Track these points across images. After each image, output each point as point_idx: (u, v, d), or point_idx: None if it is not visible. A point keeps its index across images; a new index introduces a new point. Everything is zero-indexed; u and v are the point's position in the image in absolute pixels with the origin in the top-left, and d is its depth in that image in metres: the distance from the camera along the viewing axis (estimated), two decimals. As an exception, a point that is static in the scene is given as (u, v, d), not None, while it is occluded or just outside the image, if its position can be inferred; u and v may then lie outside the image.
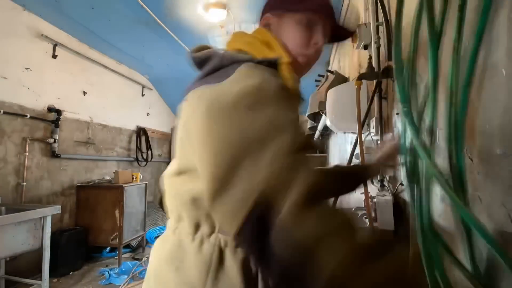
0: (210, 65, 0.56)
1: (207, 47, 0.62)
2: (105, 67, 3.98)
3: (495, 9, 0.56)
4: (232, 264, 0.52)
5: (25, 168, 2.82)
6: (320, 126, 2.94)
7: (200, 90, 0.51)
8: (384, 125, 1.38)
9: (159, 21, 3.07)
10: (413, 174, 0.85)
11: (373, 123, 1.43)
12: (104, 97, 4.00)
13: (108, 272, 2.94)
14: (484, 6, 0.55)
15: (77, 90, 3.55)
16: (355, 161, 1.43)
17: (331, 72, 2.36)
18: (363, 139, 1.34)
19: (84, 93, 3.65)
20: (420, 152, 0.59)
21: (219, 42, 3.63)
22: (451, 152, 0.66)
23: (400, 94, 0.70)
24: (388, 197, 1.17)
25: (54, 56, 3.19)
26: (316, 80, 3.02)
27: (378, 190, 1.32)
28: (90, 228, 3.29)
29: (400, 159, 0.88)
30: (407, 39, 0.83)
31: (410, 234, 0.82)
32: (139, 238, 3.77)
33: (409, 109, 0.67)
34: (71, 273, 3.00)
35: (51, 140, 3.10)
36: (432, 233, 0.66)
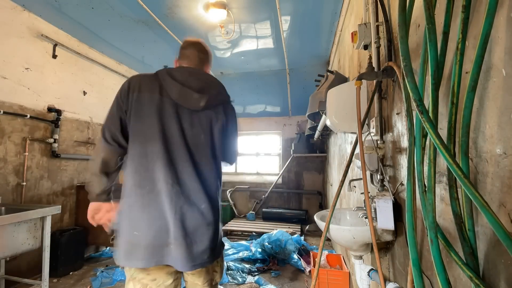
0: None
1: None
2: (105, 67, 3.98)
3: (496, 9, 0.56)
4: None
5: (25, 168, 2.82)
6: (320, 126, 2.94)
7: None
8: (384, 125, 1.38)
9: (159, 21, 3.07)
10: (414, 174, 0.85)
11: (373, 123, 1.42)
12: (104, 97, 4.00)
13: (101, 271, 2.94)
14: (489, 7, 0.55)
15: (77, 90, 3.54)
16: (355, 160, 1.43)
17: (331, 72, 2.36)
18: (363, 139, 1.34)
19: (84, 93, 3.65)
20: (441, 151, 0.58)
21: (219, 42, 3.63)
22: (453, 152, 0.66)
23: (413, 91, 0.69)
24: (388, 197, 1.17)
25: (54, 56, 3.19)
26: (316, 80, 3.02)
27: (378, 190, 1.32)
28: (90, 228, 3.28)
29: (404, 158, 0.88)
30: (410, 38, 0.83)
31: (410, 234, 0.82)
32: (139, 238, 3.77)
33: (423, 106, 0.66)
34: (71, 273, 3.00)
35: (51, 140, 3.10)
36: (435, 233, 0.66)
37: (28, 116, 2.84)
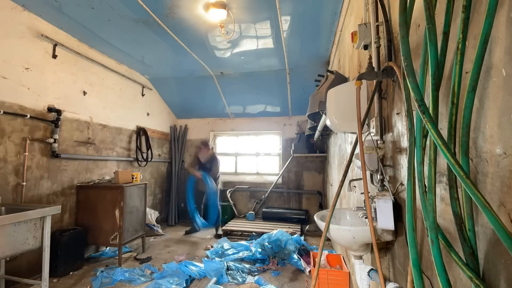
0: None
1: None
2: (105, 67, 3.98)
3: (496, 10, 0.56)
4: None
5: (25, 168, 2.82)
6: (320, 126, 2.94)
7: None
8: (384, 125, 1.38)
9: (159, 21, 3.07)
10: (415, 174, 0.85)
11: (373, 123, 1.43)
12: (104, 97, 4.00)
13: (101, 271, 2.95)
14: (489, 7, 0.55)
15: (77, 90, 3.54)
16: (355, 160, 1.43)
17: (331, 72, 2.36)
18: (363, 139, 1.34)
19: (84, 93, 3.65)
20: (442, 150, 0.58)
21: (219, 42, 3.63)
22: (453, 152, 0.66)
23: (415, 91, 0.69)
24: (388, 197, 1.17)
25: (54, 56, 3.19)
26: (316, 80, 3.02)
27: (378, 190, 1.32)
28: (90, 228, 3.29)
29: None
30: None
31: (411, 234, 0.82)
32: (139, 238, 3.77)
33: (425, 106, 0.66)
34: (71, 273, 3.00)
35: (51, 140, 3.10)
36: (435, 233, 0.66)
37: (28, 116, 2.84)
